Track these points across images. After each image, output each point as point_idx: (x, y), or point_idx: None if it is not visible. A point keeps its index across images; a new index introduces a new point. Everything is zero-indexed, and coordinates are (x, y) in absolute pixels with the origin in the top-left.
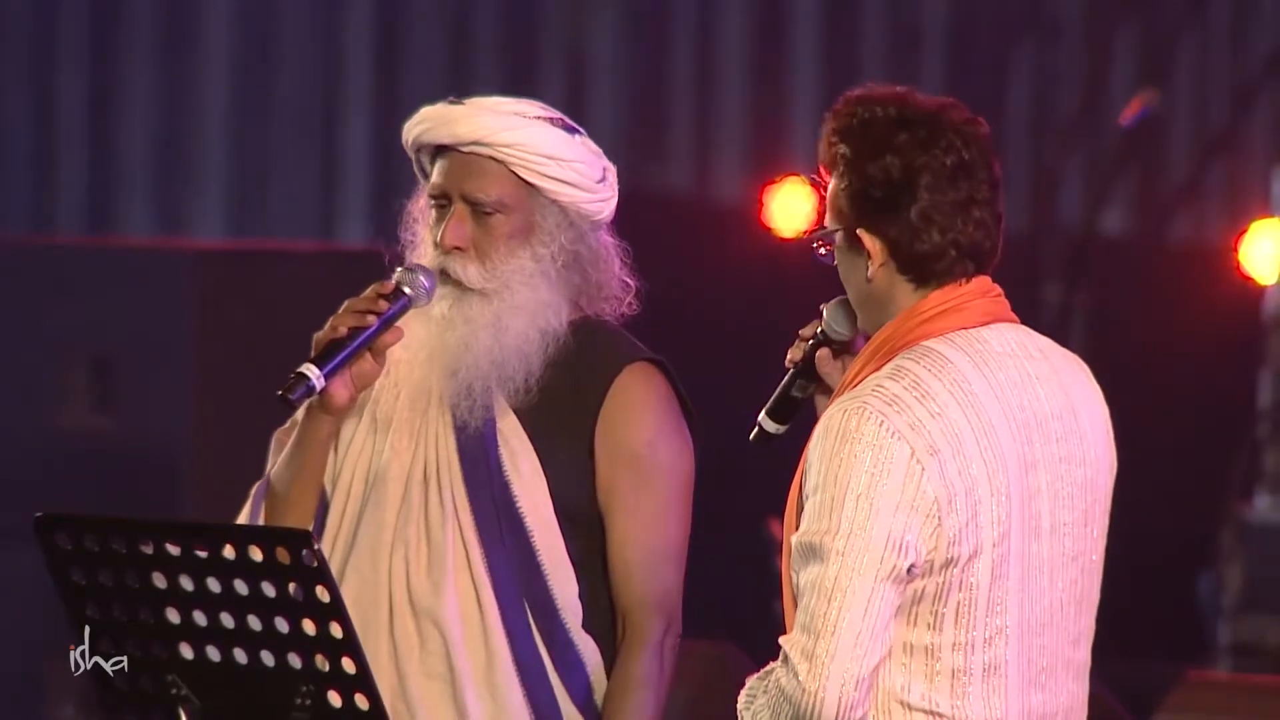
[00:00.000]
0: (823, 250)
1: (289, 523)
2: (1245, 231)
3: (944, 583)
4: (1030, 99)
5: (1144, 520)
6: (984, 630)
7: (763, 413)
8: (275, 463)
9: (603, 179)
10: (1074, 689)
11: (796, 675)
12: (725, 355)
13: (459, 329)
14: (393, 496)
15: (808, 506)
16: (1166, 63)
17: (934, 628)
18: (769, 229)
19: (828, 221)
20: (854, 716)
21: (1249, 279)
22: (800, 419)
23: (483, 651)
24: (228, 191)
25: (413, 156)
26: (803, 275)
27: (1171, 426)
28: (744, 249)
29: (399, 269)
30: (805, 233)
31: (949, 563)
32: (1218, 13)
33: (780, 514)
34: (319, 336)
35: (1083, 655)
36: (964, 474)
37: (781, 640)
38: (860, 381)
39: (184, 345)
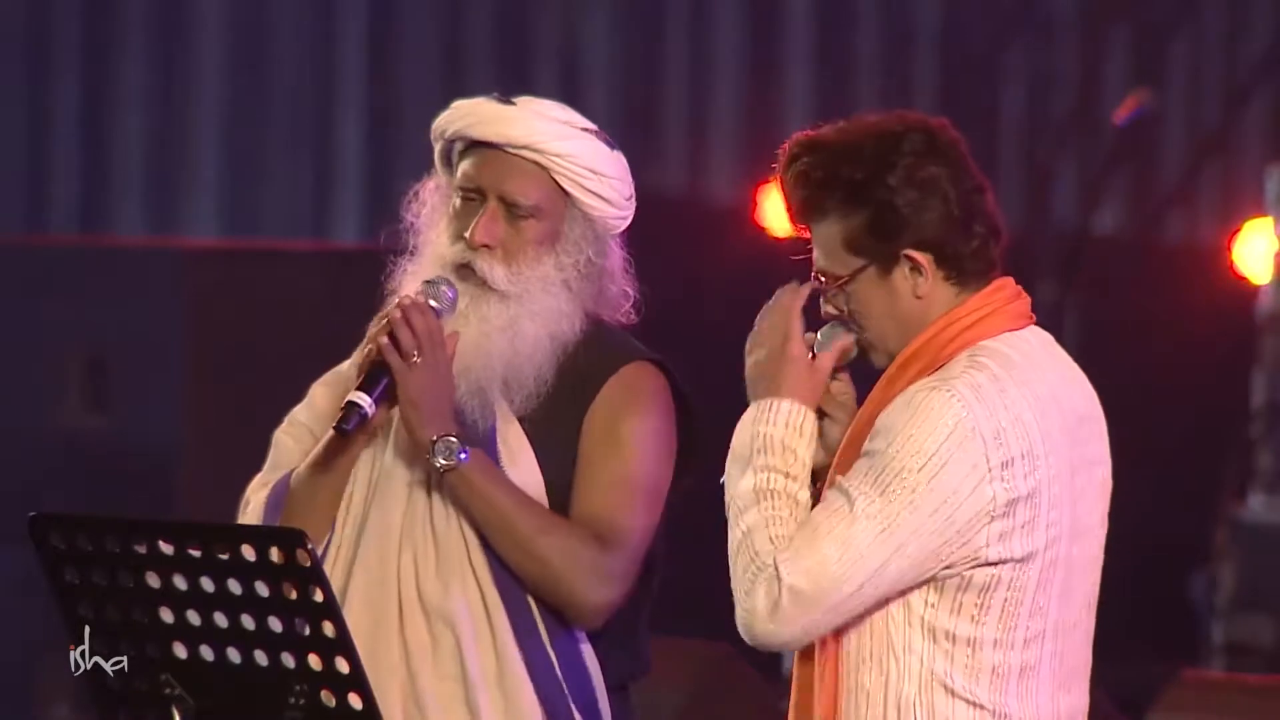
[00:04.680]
0: (833, 305)
1: (311, 528)
2: (1239, 231)
3: (994, 577)
4: (1024, 98)
5: (1138, 519)
6: (1024, 631)
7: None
8: (275, 460)
9: (630, 196)
10: (1085, 689)
11: (778, 605)
12: (719, 355)
13: (473, 327)
14: (397, 498)
15: (864, 463)
16: (1160, 62)
17: (977, 620)
18: (763, 229)
19: (840, 267)
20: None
21: (1243, 278)
22: None
23: (492, 652)
24: (221, 191)
25: (440, 144)
26: (797, 275)
27: (1165, 426)
28: (738, 249)
29: (423, 282)
30: (821, 284)
31: (1000, 561)
32: (1211, 12)
33: None
34: (361, 361)
35: (1090, 655)
36: (1030, 476)
37: (784, 552)
38: (914, 379)
39: (177, 345)
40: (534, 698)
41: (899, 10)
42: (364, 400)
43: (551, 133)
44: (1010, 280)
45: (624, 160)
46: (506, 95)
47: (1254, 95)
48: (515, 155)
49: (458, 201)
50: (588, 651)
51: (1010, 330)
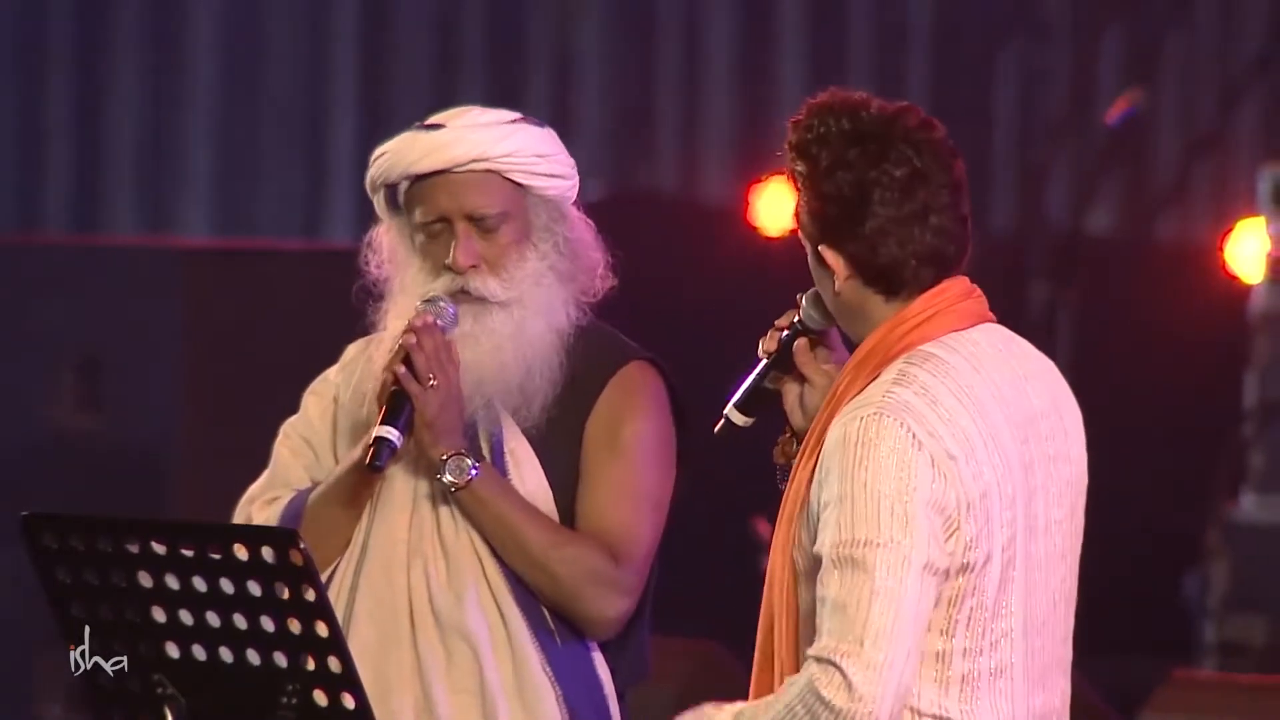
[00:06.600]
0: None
1: (331, 550)
2: (1231, 230)
3: (960, 588)
4: (1017, 98)
5: (1130, 519)
6: (990, 634)
7: (730, 405)
8: (273, 474)
9: (573, 165)
10: (1064, 686)
11: (849, 685)
12: (712, 353)
13: (483, 343)
14: (401, 510)
15: (831, 517)
16: (1153, 62)
17: (946, 634)
18: (756, 228)
19: (800, 234)
20: None
21: (1235, 278)
22: (767, 413)
23: (509, 663)
24: (215, 190)
25: (381, 190)
26: (790, 274)
27: (1158, 425)
28: (731, 248)
29: (421, 303)
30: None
31: (965, 568)
32: (1204, 12)
33: (766, 514)
34: (380, 391)
35: (1069, 652)
36: (978, 479)
37: (820, 651)
38: (861, 390)
39: (171, 344)
40: (554, 707)
41: (891, 10)
42: (392, 434)
43: (489, 137)
44: (961, 280)
45: (554, 132)
46: (426, 120)
47: (1246, 95)
48: (465, 172)
49: (422, 237)
50: (599, 659)
51: (956, 330)
